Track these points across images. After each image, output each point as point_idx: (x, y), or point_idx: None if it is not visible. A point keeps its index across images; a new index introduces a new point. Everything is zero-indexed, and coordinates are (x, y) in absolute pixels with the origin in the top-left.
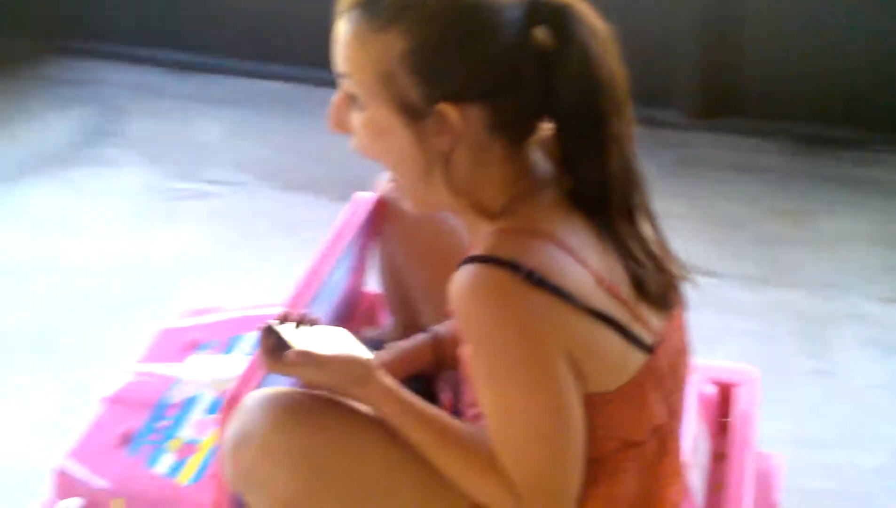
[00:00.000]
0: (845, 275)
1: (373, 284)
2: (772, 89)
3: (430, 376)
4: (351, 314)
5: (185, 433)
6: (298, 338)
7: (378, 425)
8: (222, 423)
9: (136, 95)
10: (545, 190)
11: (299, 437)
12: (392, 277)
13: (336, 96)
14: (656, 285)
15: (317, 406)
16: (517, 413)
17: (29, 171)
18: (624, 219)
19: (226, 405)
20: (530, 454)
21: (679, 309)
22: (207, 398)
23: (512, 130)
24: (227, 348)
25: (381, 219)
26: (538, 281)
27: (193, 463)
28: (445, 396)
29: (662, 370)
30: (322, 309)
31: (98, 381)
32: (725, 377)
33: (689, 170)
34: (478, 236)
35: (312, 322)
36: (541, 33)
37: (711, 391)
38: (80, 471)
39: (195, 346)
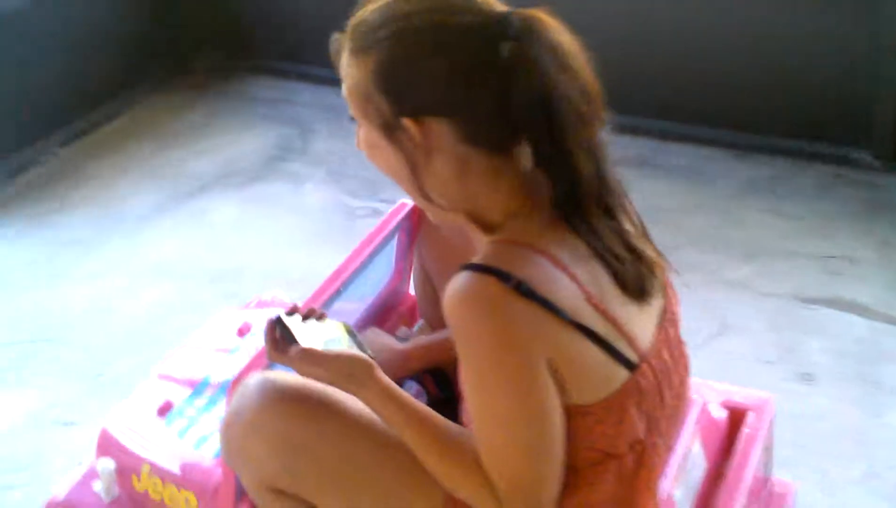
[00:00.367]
0: None
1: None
2: None
3: (450, 368)
4: (388, 314)
5: (217, 411)
6: (304, 331)
7: (365, 418)
8: (228, 401)
9: (324, 116)
10: (543, 207)
11: (287, 420)
12: (422, 279)
13: None
14: (635, 277)
15: (310, 394)
16: (499, 418)
17: (219, 183)
18: (602, 218)
19: (231, 385)
20: (511, 457)
21: (671, 328)
22: None
23: (486, 142)
24: None
25: (420, 224)
26: (526, 292)
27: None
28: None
29: (646, 387)
30: (353, 306)
31: None
32: (736, 402)
33: (879, 213)
34: (480, 246)
35: (321, 317)
36: (506, 48)
37: (720, 413)
38: (119, 434)
39: (247, 330)
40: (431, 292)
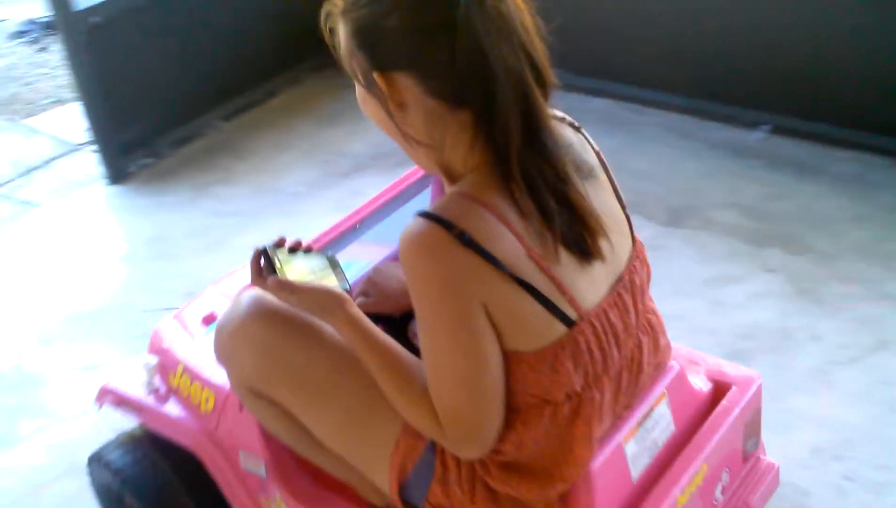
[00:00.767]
0: None
1: None
2: None
3: None
4: None
5: None
6: (289, 262)
7: (340, 343)
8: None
9: None
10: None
11: (269, 333)
12: None
13: None
14: (574, 238)
15: (294, 316)
16: (441, 354)
17: (373, 164)
18: (542, 180)
19: (234, 297)
20: (450, 391)
21: (628, 295)
22: None
23: (443, 97)
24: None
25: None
26: (467, 241)
27: None
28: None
29: (583, 344)
30: (379, 248)
31: None
32: (723, 377)
33: None
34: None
35: (307, 249)
36: (455, 10)
37: (703, 385)
38: (165, 335)
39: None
40: None
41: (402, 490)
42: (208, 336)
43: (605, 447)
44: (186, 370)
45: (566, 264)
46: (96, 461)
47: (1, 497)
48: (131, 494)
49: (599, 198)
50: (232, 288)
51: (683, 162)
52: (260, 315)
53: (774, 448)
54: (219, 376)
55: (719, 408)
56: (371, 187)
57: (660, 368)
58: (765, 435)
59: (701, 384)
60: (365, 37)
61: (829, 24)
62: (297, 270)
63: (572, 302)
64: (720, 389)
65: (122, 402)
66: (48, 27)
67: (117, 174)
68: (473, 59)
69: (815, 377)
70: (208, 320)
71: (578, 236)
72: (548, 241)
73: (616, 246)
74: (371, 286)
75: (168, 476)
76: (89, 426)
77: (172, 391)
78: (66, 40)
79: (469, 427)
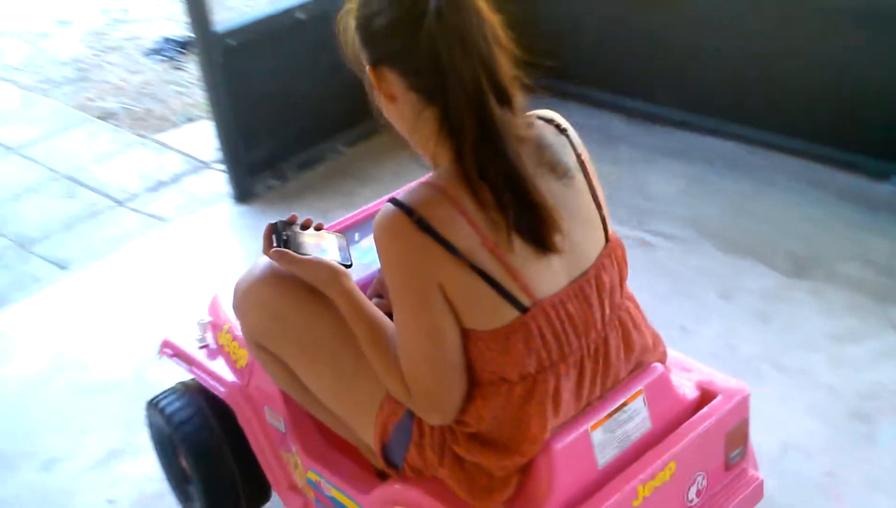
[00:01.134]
0: None
1: None
2: None
3: None
4: None
5: None
6: (299, 237)
7: (334, 311)
8: None
9: (595, 138)
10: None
11: (275, 294)
12: None
13: None
14: (529, 230)
15: (298, 282)
16: (405, 329)
17: None
18: (501, 176)
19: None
20: (413, 360)
21: (591, 289)
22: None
23: (421, 92)
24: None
25: None
26: (425, 227)
27: None
28: None
29: (535, 329)
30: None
31: None
32: (711, 386)
33: None
34: None
35: (318, 228)
36: (427, 16)
37: (689, 391)
38: (220, 299)
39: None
40: None
41: (385, 450)
42: None
43: (571, 431)
44: (231, 329)
45: (521, 254)
46: (153, 406)
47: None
48: (179, 437)
49: (570, 197)
50: None
51: (809, 210)
52: (270, 279)
53: None
54: None
55: (699, 413)
56: None
57: (640, 367)
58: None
59: (687, 390)
60: (362, 34)
61: None
62: (304, 244)
63: (525, 289)
64: (707, 397)
65: (177, 354)
66: (183, 46)
67: (244, 194)
68: (433, 64)
69: None
70: None
71: (534, 228)
72: (501, 230)
73: (583, 243)
74: (384, 288)
75: (211, 423)
76: None
77: (219, 348)
78: (203, 61)
79: (430, 394)
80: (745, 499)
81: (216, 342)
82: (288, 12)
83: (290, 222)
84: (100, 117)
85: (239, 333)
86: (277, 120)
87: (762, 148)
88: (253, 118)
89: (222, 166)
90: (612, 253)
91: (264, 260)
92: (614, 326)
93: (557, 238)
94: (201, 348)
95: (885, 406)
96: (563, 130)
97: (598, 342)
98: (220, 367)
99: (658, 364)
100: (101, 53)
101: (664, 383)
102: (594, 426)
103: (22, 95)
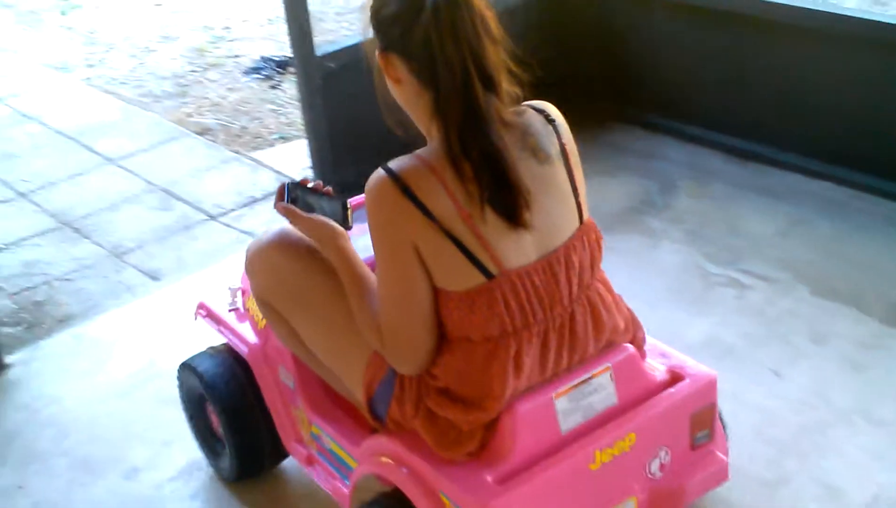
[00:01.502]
0: None
1: None
2: None
3: None
4: None
5: None
6: (308, 198)
7: (334, 276)
8: None
9: (690, 174)
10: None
11: (282, 258)
12: None
13: None
14: (503, 206)
15: (308, 250)
16: (382, 280)
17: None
18: (483, 156)
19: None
20: (387, 310)
21: (560, 267)
22: None
23: (420, 77)
24: None
25: None
26: (407, 192)
27: None
28: None
29: (500, 296)
30: None
31: None
32: (681, 370)
33: None
34: None
35: (326, 192)
36: (425, 9)
37: (659, 373)
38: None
39: None
40: None
41: (371, 404)
42: None
43: (536, 396)
44: None
45: (493, 226)
46: (187, 367)
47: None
48: (211, 395)
49: (548, 180)
50: None
51: None
52: (278, 244)
53: None
54: None
55: (664, 393)
56: None
57: (610, 346)
58: None
59: (657, 372)
60: (374, 22)
61: None
62: (310, 204)
63: (494, 258)
64: (676, 380)
65: (209, 315)
66: (281, 66)
67: None
68: (427, 52)
69: None
70: None
71: (506, 203)
72: (476, 202)
73: (556, 223)
74: None
75: (241, 381)
76: None
77: (246, 312)
78: (302, 82)
79: (401, 342)
80: (707, 477)
81: (244, 307)
82: None
83: (301, 184)
84: (197, 133)
85: None
86: (368, 143)
87: (862, 191)
88: (345, 140)
89: None
90: (585, 236)
91: (274, 228)
92: (582, 304)
93: (527, 215)
94: (231, 310)
95: None
96: (551, 121)
97: (563, 317)
98: (245, 329)
99: (629, 345)
100: (202, 70)
101: (633, 362)
102: (559, 395)
103: (123, 108)
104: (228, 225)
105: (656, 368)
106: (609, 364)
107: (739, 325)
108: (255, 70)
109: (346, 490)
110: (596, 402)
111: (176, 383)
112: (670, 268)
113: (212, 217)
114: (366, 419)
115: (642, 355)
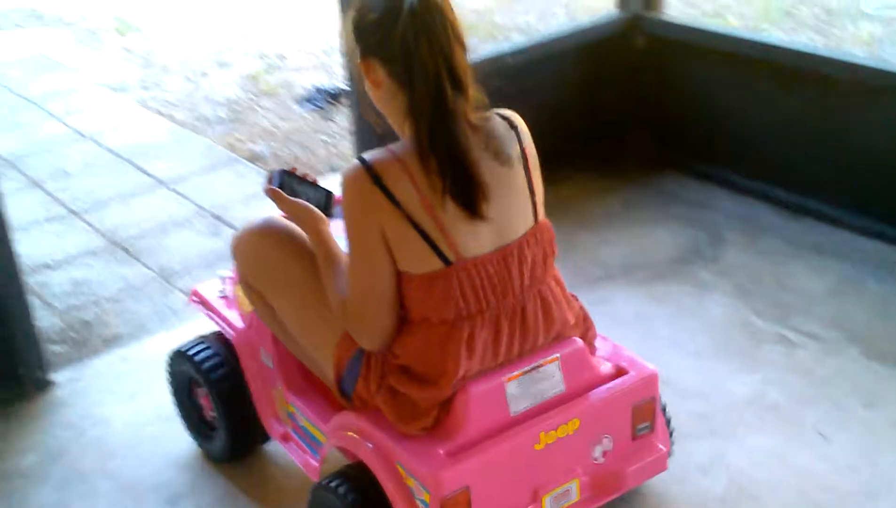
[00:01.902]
0: None
1: None
2: None
3: None
4: None
5: None
6: (295, 184)
7: (314, 262)
8: None
9: (740, 226)
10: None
11: (265, 243)
12: None
13: None
14: (461, 197)
15: (292, 238)
16: (351, 259)
17: (625, 274)
18: (448, 153)
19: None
20: (354, 287)
21: (513, 260)
22: None
23: (396, 78)
24: None
25: None
26: (377, 181)
27: None
28: None
29: (456, 282)
30: None
31: None
32: (625, 363)
33: None
34: None
35: (313, 181)
36: (401, 16)
37: (605, 367)
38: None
39: None
40: None
41: (341, 382)
42: None
43: (488, 379)
44: None
45: (452, 216)
46: (179, 353)
47: None
48: (204, 380)
49: (506, 180)
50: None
51: None
52: (263, 230)
53: None
54: None
55: (609, 384)
56: (622, 298)
57: (560, 338)
58: None
59: (603, 366)
60: (355, 29)
61: None
62: (297, 190)
63: (452, 246)
64: (621, 374)
65: (201, 302)
66: (333, 97)
67: None
68: (404, 51)
69: None
70: None
71: (466, 195)
72: (438, 193)
73: (512, 219)
74: None
75: (232, 365)
76: None
77: (235, 298)
78: (355, 114)
79: (362, 317)
80: (647, 465)
81: (233, 294)
82: None
83: (290, 173)
84: (248, 159)
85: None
86: None
87: None
88: None
89: None
90: (539, 234)
91: (263, 214)
92: (534, 296)
93: (485, 207)
94: (221, 297)
95: None
96: (513, 127)
97: (515, 306)
98: (232, 315)
99: (578, 339)
100: (255, 97)
101: (581, 354)
102: (509, 379)
103: (175, 131)
104: None
105: (603, 362)
106: (558, 355)
107: (787, 383)
108: (308, 100)
109: (315, 464)
110: (545, 389)
111: (173, 376)
112: (717, 321)
113: None
114: (335, 397)
115: (592, 350)
